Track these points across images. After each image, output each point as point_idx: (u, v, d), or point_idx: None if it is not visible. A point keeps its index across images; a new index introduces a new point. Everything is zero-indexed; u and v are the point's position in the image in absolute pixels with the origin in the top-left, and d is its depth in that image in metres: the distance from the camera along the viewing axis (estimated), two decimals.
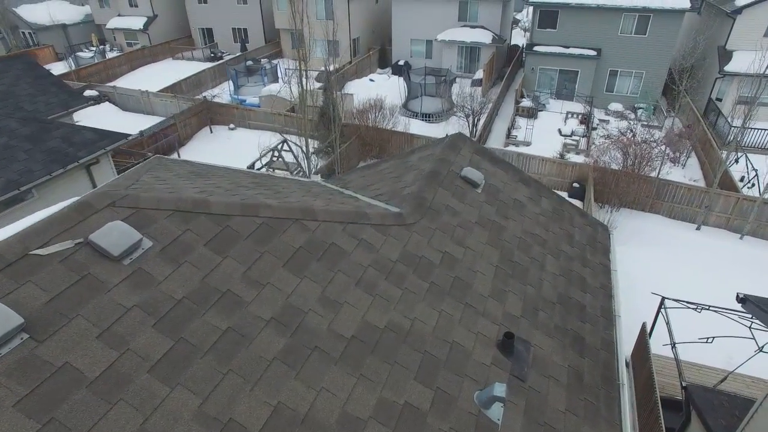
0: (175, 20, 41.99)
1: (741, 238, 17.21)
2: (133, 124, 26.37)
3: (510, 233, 5.93)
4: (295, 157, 20.64)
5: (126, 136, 12.11)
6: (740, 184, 19.33)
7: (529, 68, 28.13)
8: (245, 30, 39.60)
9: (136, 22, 40.50)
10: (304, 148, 18.98)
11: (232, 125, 26.51)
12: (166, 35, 41.40)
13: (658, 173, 18.64)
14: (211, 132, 26.37)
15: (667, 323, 10.19)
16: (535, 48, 27.43)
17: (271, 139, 20.40)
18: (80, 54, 39.39)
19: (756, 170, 19.06)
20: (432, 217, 5.49)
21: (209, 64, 35.71)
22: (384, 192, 6.41)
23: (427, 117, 26.16)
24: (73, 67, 35.56)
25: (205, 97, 27.69)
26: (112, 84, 31.80)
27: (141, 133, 23.49)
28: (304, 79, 15.23)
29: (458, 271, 4.99)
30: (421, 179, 6.05)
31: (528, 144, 23.23)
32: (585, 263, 6.28)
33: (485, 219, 5.92)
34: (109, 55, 40.03)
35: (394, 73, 33.23)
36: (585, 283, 5.94)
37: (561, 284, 5.68)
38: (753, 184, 19.13)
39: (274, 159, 21.22)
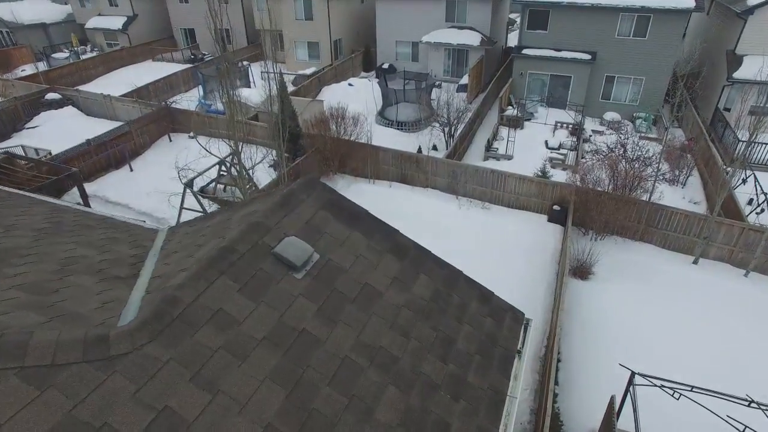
0: (156, 20, 40.35)
1: (746, 274, 14.75)
2: (94, 129, 24.60)
3: (327, 353, 3.75)
4: (246, 171, 18.62)
5: None
6: (748, 209, 16.83)
7: (517, 73, 25.77)
8: (227, 31, 37.70)
9: (116, 22, 38.94)
10: (250, 163, 16.93)
11: (192, 133, 24.57)
12: (148, 36, 39.77)
13: (650, 196, 16.23)
14: (170, 140, 24.46)
15: (635, 409, 7.87)
16: (524, 51, 25.07)
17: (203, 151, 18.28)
18: (55, 55, 37.93)
19: (765, 194, 16.53)
20: (177, 335, 3.34)
21: (188, 66, 33.95)
22: (168, 272, 4.30)
23: (402, 126, 23.96)
24: (44, 69, 34.05)
25: (165, 102, 25.83)
26: (76, 87, 30.03)
27: (88, 141, 21.65)
28: (229, 88, 13.06)
29: None
30: (196, 263, 3.90)
31: (510, 158, 20.92)
32: (458, 394, 4.06)
33: (287, 329, 3.74)
34: (89, 56, 38.43)
35: (377, 77, 31.09)
36: None
37: None
38: (762, 210, 16.62)
39: (223, 173, 19.24)
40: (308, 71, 31.12)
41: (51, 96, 28.08)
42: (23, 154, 20.23)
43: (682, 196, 18.78)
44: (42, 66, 34.97)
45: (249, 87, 28.23)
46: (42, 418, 2.72)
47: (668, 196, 18.08)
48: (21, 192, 7.70)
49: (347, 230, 4.80)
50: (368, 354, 3.90)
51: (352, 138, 19.53)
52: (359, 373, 3.75)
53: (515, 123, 23.35)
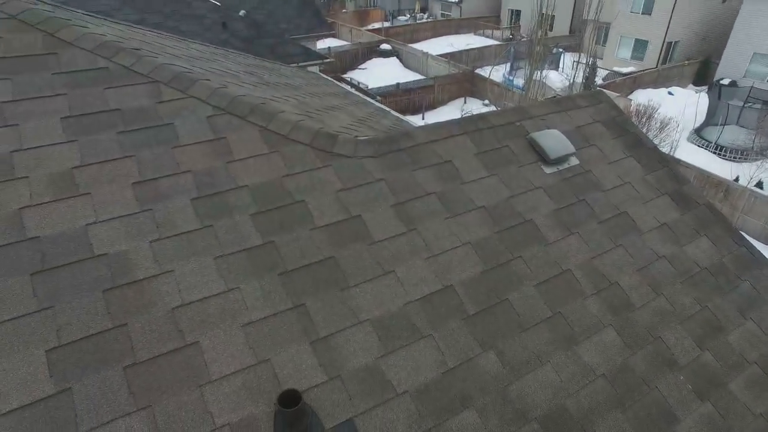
0: None
1: None
2: (406, 78, 27.62)
3: (548, 255, 3.03)
4: None
5: (324, 57, 12.18)
6: None
7: None
8: (553, 17, 36.94)
9: None
10: None
11: (486, 101, 25.17)
12: (477, 11, 42.07)
13: None
14: (465, 102, 25.56)
15: None
16: None
17: None
18: (400, 18, 43.56)
19: None
20: (398, 163, 3.12)
21: (502, 43, 34.80)
22: None
23: (722, 151, 19.63)
24: (387, 26, 39.56)
25: (473, 68, 26.94)
26: (403, 43, 33.84)
27: (397, 84, 24.35)
28: (534, 68, 12.48)
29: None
30: (446, 123, 3.61)
31: None
32: (704, 395, 2.85)
33: (511, 211, 3.15)
34: (423, 21, 43.01)
35: (709, 91, 26.09)
36: None
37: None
38: None
39: None
40: (624, 70, 28.20)
41: (383, 47, 32.50)
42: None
43: None
44: (386, 25, 40.67)
45: (557, 71, 27.23)
46: (261, 172, 2.81)
47: None
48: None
49: (622, 152, 3.84)
50: (596, 282, 3.01)
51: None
52: (577, 295, 2.92)
53: None
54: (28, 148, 2.71)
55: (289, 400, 2.03)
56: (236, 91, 3.36)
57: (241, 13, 13.77)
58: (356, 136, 3.33)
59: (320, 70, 12.35)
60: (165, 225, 2.54)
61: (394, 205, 2.91)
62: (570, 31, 36.09)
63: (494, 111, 3.75)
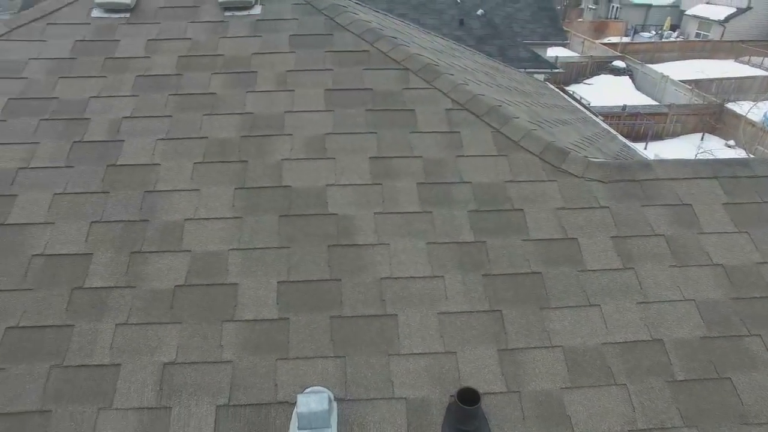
0: None
1: None
2: (635, 102, 25.16)
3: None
4: None
5: (553, 66, 11.69)
6: None
7: None
8: None
9: (719, 13, 36.49)
10: None
11: (731, 141, 21.42)
12: (748, 33, 35.56)
13: None
14: (702, 139, 22.20)
15: None
16: None
17: None
18: (643, 34, 39.59)
19: None
20: (625, 194, 2.89)
21: None
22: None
23: None
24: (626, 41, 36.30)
25: (723, 100, 23.13)
26: (639, 62, 30.64)
27: (623, 107, 22.29)
28: None
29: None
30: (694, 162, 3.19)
31: None
32: None
33: (758, 278, 2.68)
34: (670, 40, 38.35)
35: None
36: None
37: None
38: None
39: None
40: None
41: (616, 63, 29.92)
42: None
43: None
44: (625, 39, 37.28)
45: None
46: (486, 172, 2.88)
47: None
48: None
49: None
50: None
51: None
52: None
53: None
54: (296, 111, 3.21)
55: (467, 397, 2.06)
56: (475, 90, 3.46)
57: (479, 12, 14.05)
58: (586, 156, 3.17)
59: (545, 79, 11.99)
60: (390, 201, 2.78)
61: (614, 237, 2.70)
62: None
63: (760, 159, 3.19)
